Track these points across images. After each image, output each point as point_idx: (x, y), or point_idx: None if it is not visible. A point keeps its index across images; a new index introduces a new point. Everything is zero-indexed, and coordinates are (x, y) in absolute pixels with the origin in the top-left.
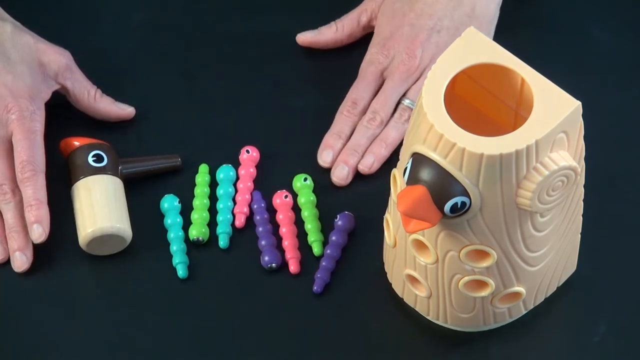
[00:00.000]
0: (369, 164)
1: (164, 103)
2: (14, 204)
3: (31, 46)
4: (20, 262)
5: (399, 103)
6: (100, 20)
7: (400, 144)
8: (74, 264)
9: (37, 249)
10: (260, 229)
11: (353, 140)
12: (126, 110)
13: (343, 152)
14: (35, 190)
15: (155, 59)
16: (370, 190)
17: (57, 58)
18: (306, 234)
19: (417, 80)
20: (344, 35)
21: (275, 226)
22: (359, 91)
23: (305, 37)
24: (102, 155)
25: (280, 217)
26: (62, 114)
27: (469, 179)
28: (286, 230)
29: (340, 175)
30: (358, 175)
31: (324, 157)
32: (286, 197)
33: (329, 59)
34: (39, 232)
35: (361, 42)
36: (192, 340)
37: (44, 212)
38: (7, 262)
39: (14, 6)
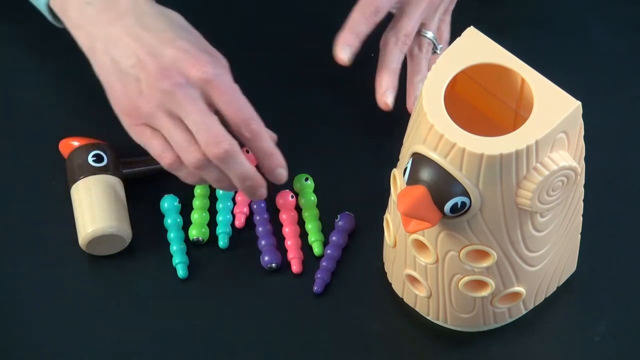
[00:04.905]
0: None
1: None
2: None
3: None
4: (282, 176)
5: None
6: None
7: None
8: (74, 264)
9: (38, 248)
10: (260, 229)
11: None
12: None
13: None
14: (268, 142)
15: None
16: (370, 190)
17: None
18: (307, 234)
19: None
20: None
21: (276, 226)
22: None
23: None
24: (102, 155)
25: (283, 216)
26: (62, 114)
27: (469, 179)
28: (289, 230)
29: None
30: (358, 176)
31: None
32: (292, 197)
33: (329, 58)
34: (285, 175)
35: (362, 44)
36: (191, 340)
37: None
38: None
39: (14, 6)
